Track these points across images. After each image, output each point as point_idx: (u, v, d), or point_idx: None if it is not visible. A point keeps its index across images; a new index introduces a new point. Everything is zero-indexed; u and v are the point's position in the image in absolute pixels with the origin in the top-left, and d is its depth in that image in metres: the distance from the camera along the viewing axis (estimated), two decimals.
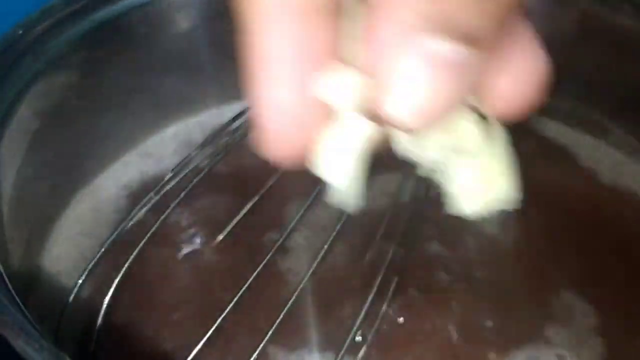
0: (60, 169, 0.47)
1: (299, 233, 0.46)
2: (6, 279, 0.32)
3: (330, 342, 0.40)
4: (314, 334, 0.40)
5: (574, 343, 0.41)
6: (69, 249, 0.45)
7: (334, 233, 0.41)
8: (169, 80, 0.52)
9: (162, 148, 0.53)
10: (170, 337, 0.40)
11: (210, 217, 0.47)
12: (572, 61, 0.54)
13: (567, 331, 0.41)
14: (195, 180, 0.45)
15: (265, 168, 0.50)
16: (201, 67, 0.54)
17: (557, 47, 0.53)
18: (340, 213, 0.43)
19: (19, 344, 0.27)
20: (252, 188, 0.47)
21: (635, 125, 0.53)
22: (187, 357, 0.37)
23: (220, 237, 0.45)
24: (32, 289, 0.42)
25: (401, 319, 0.41)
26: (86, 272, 0.41)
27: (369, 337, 0.39)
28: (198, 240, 0.45)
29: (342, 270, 0.44)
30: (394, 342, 0.40)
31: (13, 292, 0.31)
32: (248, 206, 0.46)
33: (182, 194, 0.44)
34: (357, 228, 0.46)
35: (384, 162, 0.49)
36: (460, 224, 0.46)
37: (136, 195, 0.48)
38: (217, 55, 0.54)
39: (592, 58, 0.53)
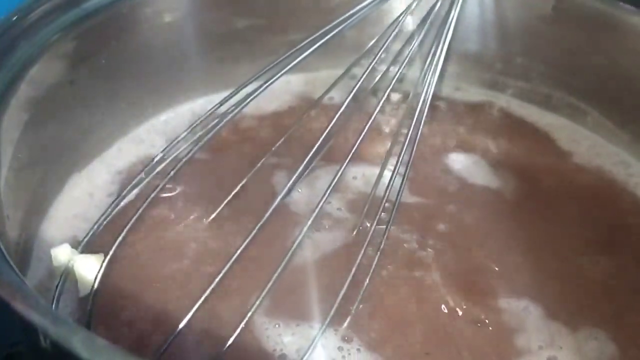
0: (55, 154, 0.48)
1: (284, 209, 0.47)
2: (3, 249, 0.33)
3: (315, 313, 0.41)
4: (300, 307, 0.42)
5: (549, 342, 0.41)
6: (63, 231, 0.46)
7: (317, 209, 0.43)
8: (160, 68, 0.54)
9: (154, 135, 0.54)
10: (162, 300, 0.42)
11: (199, 196, 0.49)
12: (549, 46, 0.56)
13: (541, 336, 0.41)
14: (184, 159, 0.46)
15: (252, 150, 0.52)
16: (190, 56, 0.56)
17: (533, 32, 0.56)
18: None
19: (17, 305, 0.29)
20: (238, 169, 0.49)
21: (610, 108, 0.55)
22: (178, 319, 0.39)
23: (213, 215, 0.46)
24: (27, 269, 0.43)
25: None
26: (81, 246, 0.42)
27: (353, 309, 0.41)
28: (189, 218, 0.47)
29: (330, 246, 0.46)
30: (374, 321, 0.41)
31: (10, 260, 0.33)
32: (237, 188, 0.47)
33: (172, 172, 0.45)
34: (344, 207, 0.49)
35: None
36: (436, 207, 0.49)
37: (129, 180, 0.50)
38: (205, 44, 0.56)
39: (567, 43, 0.55)
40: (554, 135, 0.56)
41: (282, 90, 0.58)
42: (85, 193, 0.49)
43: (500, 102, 0.59)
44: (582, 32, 0.54)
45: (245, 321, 0.39)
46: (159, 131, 0.55)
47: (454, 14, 0.53)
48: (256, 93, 0.48)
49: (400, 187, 0.47)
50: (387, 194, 0.46)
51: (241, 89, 0.49)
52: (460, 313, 0.42)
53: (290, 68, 0.51)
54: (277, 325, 0.40)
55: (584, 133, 0.56)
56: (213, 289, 0.40)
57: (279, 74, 0.50)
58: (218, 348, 0.38)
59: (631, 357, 0.40)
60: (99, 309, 0.41)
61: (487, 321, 0.41)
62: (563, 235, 0.47)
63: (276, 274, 0.40)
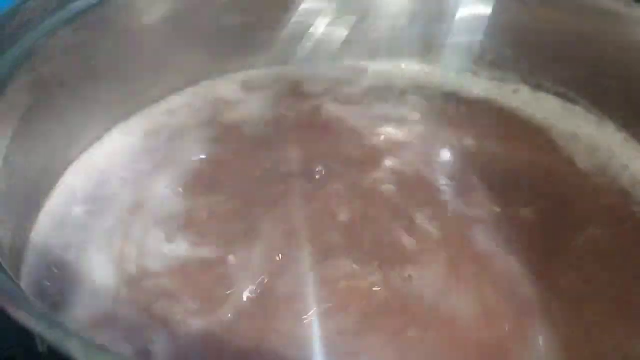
0: (47, 155, 0.48)
1: None
2: None
3: None
4: None
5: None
6: (56, 233, 0.46)
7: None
8: (147, 67, 0.54)
9: (145, 131, 0.54)
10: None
11: None
12: (537, 37, 0.56)
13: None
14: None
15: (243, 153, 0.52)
16: (179, 53, 0.55)
17: (521, 22, 0.56)
18: None
19: (12, 310, 0.28)
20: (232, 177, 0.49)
21: (600, 97, 0.55)
22: None
23: None
24: (20, 272, 0.43)
25: None
26: None
27: None
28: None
29: None
30: None
31: (4, 265, 0.33)
32: None
33: None
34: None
35: None
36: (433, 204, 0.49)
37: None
38: (194, 42, 0.56)
39: (555, 33, 0.55)
40: (544, 127, 0.56)
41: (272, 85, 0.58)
42: (78, 193, 0.49)
43: (490, 94, 0.59)
44: (570, 21, 0.54)
45: None
46: (146, 128, 0.54)
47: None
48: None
49: None
50: None
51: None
52: None
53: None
54: None
55: (575, 124, 0.56)
56: None
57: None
58: None
59: None
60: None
61: None
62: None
63: None
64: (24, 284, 0.42)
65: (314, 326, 0.40)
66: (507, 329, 0.41)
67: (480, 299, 0.42)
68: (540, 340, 0.40)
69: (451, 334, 0.40)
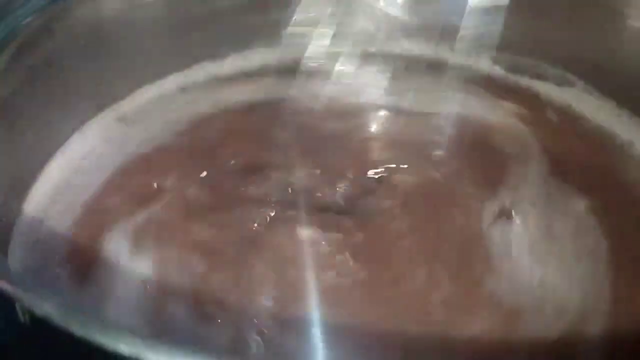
0: (34, 134, 0.47)
1: None
2: None
3: None
4: None
5: None
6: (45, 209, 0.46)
7: None
8: (135, 51, 0.53)
9: (133, 113, 0.54)
10: None
11: None
12: (530, 18, 0.56)
13: None
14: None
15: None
16: (168, 38, 0.55)
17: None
18: None
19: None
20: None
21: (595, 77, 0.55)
22: None
23: None
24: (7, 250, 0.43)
25: None
26: None
27: None
28: None
29: None
30: None
31: None
32: None
33: None
34: None
35: None
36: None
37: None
38: (184, 25, 0.56)
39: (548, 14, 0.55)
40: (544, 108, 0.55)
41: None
42: (66, 169, 0.49)
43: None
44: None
45: None
46: (137, 110, 0.54)
47: None
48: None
49: None
50: None
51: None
52: None
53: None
54: None
55: (572, 103, 0.55)
56: None
57: None
58: None
59: None
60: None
61: None
62: None
63: None
64: (11, 260, 0.42)
65: None
66: None
67: None
68: None
69: None
